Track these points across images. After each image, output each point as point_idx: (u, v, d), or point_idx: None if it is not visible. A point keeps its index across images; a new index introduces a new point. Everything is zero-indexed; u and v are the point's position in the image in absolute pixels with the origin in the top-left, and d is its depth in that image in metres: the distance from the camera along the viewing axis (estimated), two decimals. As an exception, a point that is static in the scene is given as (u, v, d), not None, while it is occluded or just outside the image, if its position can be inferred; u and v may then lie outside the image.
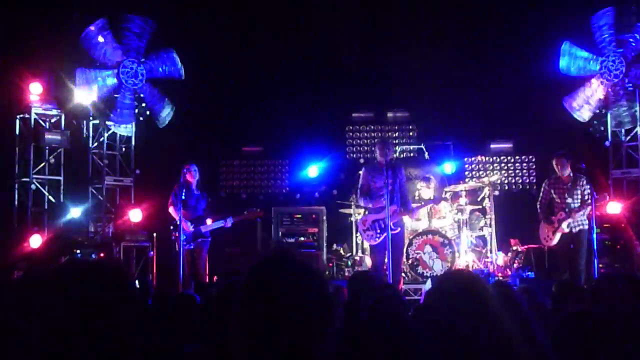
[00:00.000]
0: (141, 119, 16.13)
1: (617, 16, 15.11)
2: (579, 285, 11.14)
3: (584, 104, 15.62)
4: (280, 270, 2.87)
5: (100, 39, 15.34)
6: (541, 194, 13.52)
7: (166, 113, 16.03)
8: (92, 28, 15.28)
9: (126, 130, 16.24)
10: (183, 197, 12.86)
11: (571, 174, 13.09)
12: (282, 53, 17.43)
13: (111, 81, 15.57)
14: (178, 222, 12.91)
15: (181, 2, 16.48)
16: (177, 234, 13.00)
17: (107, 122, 15.89)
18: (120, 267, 3.13)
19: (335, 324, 2.91)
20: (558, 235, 12.91)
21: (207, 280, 13.42)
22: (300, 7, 17.09)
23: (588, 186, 12.82)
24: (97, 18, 15.21)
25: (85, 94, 15.40)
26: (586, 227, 12.75)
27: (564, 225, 12.82)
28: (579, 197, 12.89)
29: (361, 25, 17.12)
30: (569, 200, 12.90)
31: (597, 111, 15.70)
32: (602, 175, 15.66)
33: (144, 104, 15.98)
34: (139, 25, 15.62)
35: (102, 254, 14.89)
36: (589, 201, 12.43)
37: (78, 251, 14.85)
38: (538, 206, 13.36)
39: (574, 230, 12.83)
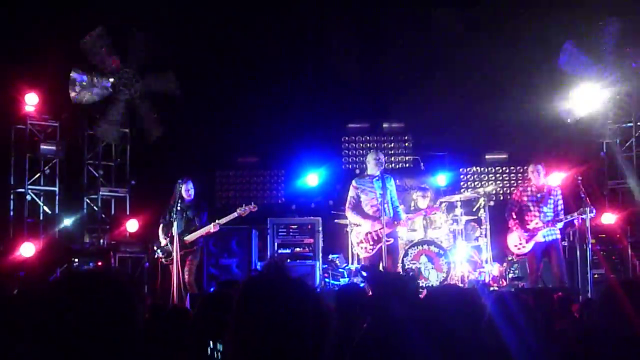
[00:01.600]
0: (127, 130, 16.18)
1: (621, 26, 15.16)
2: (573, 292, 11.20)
3: (579, 110, 15.68)
4: (273, 287, 2.88)
5: (101, 46, 15.40)
6: (512, 201, 13.61)
7: (155, 131, 16.08)
8: (94, 33, 15.34)
9: (110, 139, 16.24)
10: (174, 214, 12.96)
11: (546, 184, 13.21)
12: (278, 64, 17.44)
13: (105, 89, 15.60)
14: (159, 236, 13.23)
15: (178, 13, 16.48)
16: (155, 249, 13.33)
17: (92, 131, 15.96)
18: (125, 280, 3.10)
19: (330, 341, 2.92)
20: (531, 244, 13.00)
21: (198, 291, 13.42)
22: (297, 18, 17.12)
23: (561, 198, 12.98)
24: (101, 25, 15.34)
25: (78, 96, 15.40)
26: (559, 236, 12.92)
27: (540, 234, 12.91)
28: (552, 206, 13.00)
29: (357, 36, 17.14)
30: (545, 209, 12.98)
31: (593, 120, 15.75)
32: (598, 186, 15.69)
33: (135, 118, 16.05)
34: (141, 41, 15.74)
35: (99, 263, 14.87)
36: (562, 216, 12.68)
37: (76, 260, 14.84)
38: (509, 213, 13.43)
39: (547, 239, 12.94)
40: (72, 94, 15.41)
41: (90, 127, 16.15)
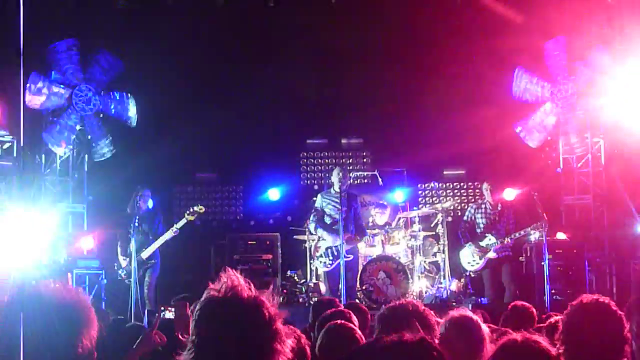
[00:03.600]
0: (71, 146, 16.12)
1: (569, 44, 15.36)
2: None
3: (535, 130, 15.83)
4: (225, 309, 2.96)
5: (66, 56, 15.36)
6: (466, 218, 13.74)
7: (104, 150, 16.04)
8: (62, 44, 15.30)
9: (60, 151, 16.13)
10: (132, 230, 12.96)
11: (500, 200, 13.35)
12: (236, 79, 17.43)
13: (61, 98, 15.54)
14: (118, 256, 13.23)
15: (135, 26, 16.45)
16: (117, 270, 13.36)
17: (42, 136, 15.86)
18: (78, 297, 3.11)
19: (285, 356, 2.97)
20: (484, 261, 13.11)
21: (154, 306, 13.40)
22: (256, 35, 17.15)
23: (513, 216, 13.14)
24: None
25: (32, 100, 15.31)
26: (511, 252, 13.08)
27: (492, 249, 13.04)
28: (505, 224, 13.13)
29: (314, 53, 17.18)
30: (499, 226, 13.12)
31: (549, 138, 15.93)
32: (554, 201, 15.84)
33: (87, 135, 16.00)
34: (108, 61, 15.75)
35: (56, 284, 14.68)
36: (515, 233, 12.86)
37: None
38: (462, 230, 13.54)
39: (500, 255, 13.06)
40: (27, 97, 15.27)
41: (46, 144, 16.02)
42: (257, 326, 2.93)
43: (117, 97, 16.04)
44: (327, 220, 13.04)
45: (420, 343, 2.62)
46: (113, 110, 15.99)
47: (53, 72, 15.58)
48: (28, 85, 15.18)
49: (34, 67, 15.29)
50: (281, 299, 14.76)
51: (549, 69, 15.64)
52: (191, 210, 13.72)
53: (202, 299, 3.05)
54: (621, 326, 4.60)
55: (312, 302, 11.31)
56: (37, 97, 15.36)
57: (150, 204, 13.84)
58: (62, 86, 15.57)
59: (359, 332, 5.39)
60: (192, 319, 3.05)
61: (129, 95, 16.13)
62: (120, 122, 16.10)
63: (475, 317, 4.91)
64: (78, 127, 15.82)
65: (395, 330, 2.70)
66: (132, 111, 16.09)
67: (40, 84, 15.32)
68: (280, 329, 2.98)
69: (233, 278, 3.04)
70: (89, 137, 16.10)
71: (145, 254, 13.34)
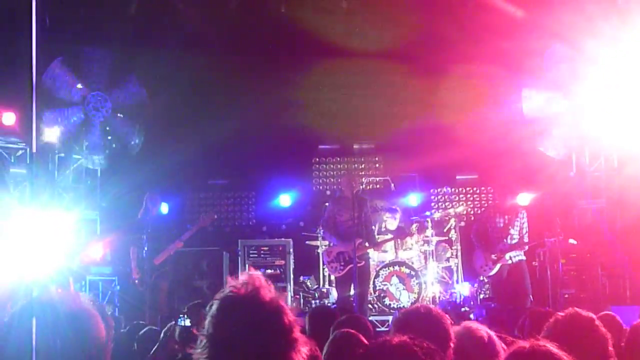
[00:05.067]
0: (107, 151, 16.12)
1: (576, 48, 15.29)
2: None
3: (558, 143, 15.77)
4: (246, 308, 2.87)
5: (62, 76, 15.43)
6: (478, 222, 13.67)
7: (136, 141, 16.08)
8: (54, 66, 15.35)
9: (95, 164, 16.20)
10: (148, 230, 12.96)
11: (514, 205, 13.29)
12: (249, 85, 17.41)
13: (78, 117, 15.62)
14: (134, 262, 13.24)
15: (145, 32, 16.46)
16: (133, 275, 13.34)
17: (76, 156, 15.91)
18: (84, 305, 3.09)
19: None
20: (498, 266, 13.05)
21: (168, 312, 13.39)
22: (266, 41, 17.13)
23: (526, 221, 13.07)
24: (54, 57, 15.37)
25: (53, 133, 15.39)
26: (524, 257, 13.00)
27: (506, 256, 12.98)
28: (518, 228, 13.07)
29: (326, 57, 17.15)
30: (512, 231, 13.05)
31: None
32: (567, 205, 15.79)
33: (109, 137, 16.01)
34: (98, 58, 15.75)
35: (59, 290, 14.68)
36: (527, 239, 12.79)
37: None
38: (475, 234, 13.48)
39: (513, 261, 13.00)
40: (46, 134, 15.37)
41: (59, 150, 16.06)
42: (276, 332, 2.84)
43: (122, 84, 16.15)
44: (338, 226, 13.02)
45: (404, 345, 2.61)
46: (124, 98, 16.14)
47: (59, 98, 15.66)
48: (45, 124, 15.27)
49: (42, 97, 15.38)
50: (293, 304, 14.74)
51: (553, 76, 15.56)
52: (203, 216, 13.74)
53: (222, 293, 2.97)
54: None
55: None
56: (54, 132, 15.44)
57: (163, 209, 13.84)
58: (74, 109, 15.69)
59: (364, 339, 5.35)
60: (209, 313, 2.94)
61: (130, 74, 16.20)
62: (136, 107, 16.18)
63: (486, 332, 4.83)
64: (95, 134, 15.88)
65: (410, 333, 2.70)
66: (140, 87, 16.18)
67: (55, 119, 15.44)
68: (299, 337, 2.91)
69: (256, 278, 2.97)
70: (116, 137, 16.17)
71: (158, 259, 13.34)
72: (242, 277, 2.95)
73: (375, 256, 14.38)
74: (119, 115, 16.12)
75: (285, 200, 17.25)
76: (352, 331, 5.49)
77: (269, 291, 2.93)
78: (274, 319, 2.84)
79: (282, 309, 2.89)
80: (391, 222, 15.17)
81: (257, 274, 2.96)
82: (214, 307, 2.89)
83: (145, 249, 13.11)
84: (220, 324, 2.85)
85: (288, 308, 2.94)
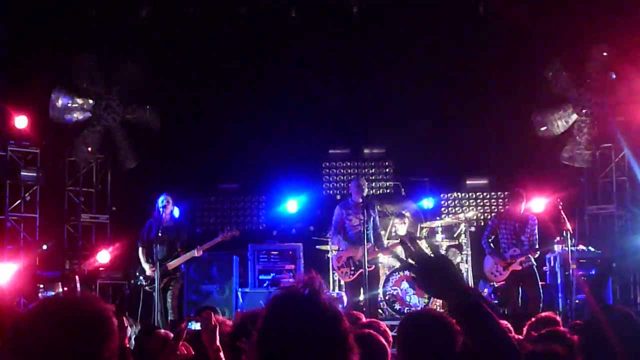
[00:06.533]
0: (102, 155, 16.20)
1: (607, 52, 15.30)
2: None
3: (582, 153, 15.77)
4: (309, 309, 2.80)
5: (88, 68, 15.55)
6: (489, 228, 13.65)
7: (129, 162, 16.16)
8: (84, 55, 15.49)
9: (86, 160, 16.24)
10: (159, 234, 12.93)
11: (525, 211, 13.29)
12: (258, 89, 17.44)
13: (85, 112, 15.65)
14: (141, 264, 13.18)
15: (158, 36, 16.49)
16: (139, 276, 13.27)
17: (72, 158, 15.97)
18: (97, 307, 3.06)
19: None
20: (507, 271, 13.05)
21: (178, 317, 13.37)
22: (277, 44, 17.16)
23: (537, 228, 13.06)
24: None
25: (56, 115, 15.43)
26: (534, 263, 13.02)
27: (517, 262, 12.97)
28: (529, 234, 13.06)
29: (337, 61, 17.17)
30: (523, 237, 13.04)
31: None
32: (578, 210, 15.76)
33: (114, 144, 16.11)
34: (129, 72, 15.87)
35: (65, 289, 14.68)
36: (537, 245, 12.80)
37: (41, 286, 14.68)
38: (485, 240, 13.47)
39: (524, 266, 13.00)
40: (52, 113, 15.39)
41: (70, 154, 16.11)
42: (337, 338, 2.76)
43: (140, 106, 16.18)
44: (347, 231, 13.03)
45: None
46: (135, 120, 16.12)
47: (75, 86, 15.69)
48: (52, 104, 15.30)
49: (58, 79, 15.44)
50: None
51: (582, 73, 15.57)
52: (226, 231, 13.70)
53: (280, 291, 2.89)
54: None
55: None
56: (61, 114, 15.47)
57: (175, 212, 13.82)
58: (85, 101, 15.68)
59: (383, 339, 5.31)
60: (265, 311, 2.83)
61: (149, 103, 16.25)
62: (144, 130, 16.20)
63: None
64: (97, 133, 15.91)
65: (415, 338, 2.67)
66: (155, 118, 16.22)
67: (63, 102, 15.45)
68: (354, 345, 2.82)
69: (315, 279, 2.86)
70: (114, 147, 16.21)
71: (172, 264, 13.33)
72: (302, 277, 2.86)
73: (385, 261, 14.36)
74: (123, 128, 16.18)
75: (292, 206, 17.18)
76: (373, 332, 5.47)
77: (325, 294, 2.86)
78: (334, 322, 2.77)
79: (341, 314, 2.84)
80: (400, 227, 15.15)
81: (315, 275, 2.88)
82: (272, 306, 2.81)
83: (156, 251, 13.08)
84: (280, 323, 2.77)
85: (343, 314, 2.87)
